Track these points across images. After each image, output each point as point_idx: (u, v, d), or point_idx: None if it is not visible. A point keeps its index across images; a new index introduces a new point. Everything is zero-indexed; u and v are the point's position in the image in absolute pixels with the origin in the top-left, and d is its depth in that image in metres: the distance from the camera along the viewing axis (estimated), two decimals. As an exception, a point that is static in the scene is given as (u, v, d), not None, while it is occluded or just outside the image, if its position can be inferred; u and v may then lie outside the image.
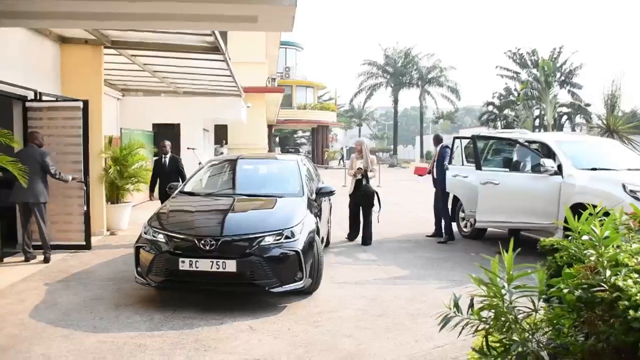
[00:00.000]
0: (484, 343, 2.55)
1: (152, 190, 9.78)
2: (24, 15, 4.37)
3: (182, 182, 8.59)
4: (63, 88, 9.48)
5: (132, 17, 4.29)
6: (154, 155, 12.40)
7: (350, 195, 9.55)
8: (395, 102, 53.34)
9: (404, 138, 76.90)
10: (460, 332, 2.91)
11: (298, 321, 5.17)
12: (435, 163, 10.12)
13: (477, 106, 63.30)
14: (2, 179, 7.01)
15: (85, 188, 8.37)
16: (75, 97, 8.92)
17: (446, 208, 9.93)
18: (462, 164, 10.38)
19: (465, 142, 10.63)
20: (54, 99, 8.94)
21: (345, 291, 6.25)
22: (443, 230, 9.81)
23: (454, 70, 51.53)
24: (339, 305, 5.70)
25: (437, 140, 10.60)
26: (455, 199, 10.17)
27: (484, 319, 2.61)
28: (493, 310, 2.67)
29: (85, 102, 8.50)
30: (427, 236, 10.14)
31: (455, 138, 10.73)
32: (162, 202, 8.78)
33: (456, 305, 2.92)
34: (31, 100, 8.45)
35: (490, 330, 2.67)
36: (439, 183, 9.88)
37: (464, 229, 10.12)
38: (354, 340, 4.72)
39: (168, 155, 9.60)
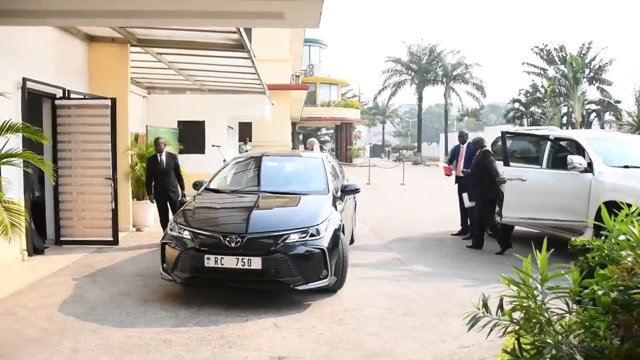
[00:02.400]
0: (516, 345, 2.49)
1: (149, 191, 9.07)
2: (53, 14, 4.43)
3: (179, 182, 8.74)
4: (90, 86, 9.61)
5: (159, 14, 4.30)
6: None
7: None
8: (420, 99, 52.94)
9: (428, 135, 76.29)
10: (489, 333, 2.86)
11: (323, 319, 5.15)
12: (461, 162, 9.94)
13: (503, 103, 62.54)
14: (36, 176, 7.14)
15: (112, 185, 8.47)
16: (102, 94, 9.05)
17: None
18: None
19: (492, 139, 10.48)
20: (82, 97, 9.07)
21: (370, 289, 6.21)
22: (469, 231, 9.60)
23: (479, 67, 51.02)
24: (364, 303, 5.67)
25: (463, 137, 10.33)
26: None
27: (515, 320, 2.55)
28: (524, 312, 2.60)
29: (113, 100, 8.60)
30: (453, 234, 10.03)
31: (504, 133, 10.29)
32: (159, 204, 8.85)
33: (485, 306, 2.86)
34: (60, 98, 8.59)
35: (521, 332, 2.60)
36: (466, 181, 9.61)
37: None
38: (379, 339, 4.68)
39: (164, 153, 8.88)
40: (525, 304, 2.55)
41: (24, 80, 7.45)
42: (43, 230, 8.64)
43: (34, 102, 8.06)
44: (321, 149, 11.02)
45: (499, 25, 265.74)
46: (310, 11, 3.84)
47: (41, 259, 7.65)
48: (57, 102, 8.54)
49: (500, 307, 2.79)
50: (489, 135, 10.71)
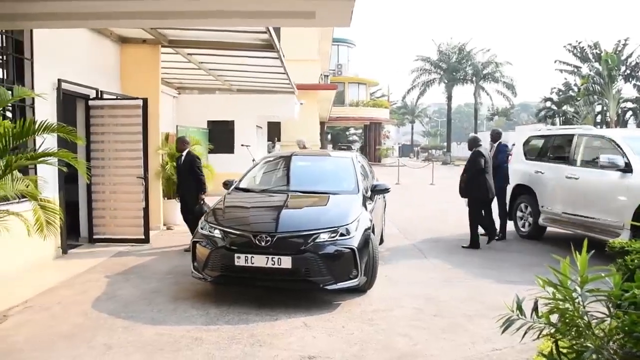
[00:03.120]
0: (554, 348, 2.42)
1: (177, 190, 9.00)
2: (87, 16, 4.49)
3: (197, 185, 8.28)
4: (122, 86, 9.76)
5: (190, 15, 4.33)
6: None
7: None
8: (449, 98, 52.38)
9: (458, 135, 75.42)
10: (523, 336, 2.79)
11: (352, 319, 5.12)
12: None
13: (534, 102, 61.45)
14: (67, 174, 7.27)
15: (144, 184, 8.58)
16: (133, 95, 9.18)
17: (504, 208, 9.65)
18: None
19: (524, 138, 10.32)
20: (115, 97, 9.22)
21: (400, 290, 6.16)
22: (498, 230, 9.48)
23: (510, 65, 50.27)
24: (394, 303, 5.62)
25: (497, 136, 10.00)
26: (514, 197, 9.87)
27: (553, 324, 2.48)
28: (560, 315, 2.53)
29: (145, 100, 8.71)
30: (480, 234, 9.88)
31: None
32: (182, 205, 8.60)
33: (519, 308, 2.80)
34: (93, 99, 8.74)
35: (558, 335, 2.53)
36: (502, 182, 9.44)
37: (522, 229, 9.80)
38: (410, 339, 4.63)
39: (184, 153, 8.58)
40: (562, 307, 2.48)
41: (59, 81, 7.61)
42: (77, 228, 8.81)
43: (69, 102, 8.22)
44: (349, 148, 10.94)
45: (531, 23, 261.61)
46: (342, 10, 3.81)
47: (75, 256, 7.79)
48: (90, 102, 8.69)
49: (535, 309, 2.72)
50: (520, 135, 10.56)
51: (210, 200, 7.91)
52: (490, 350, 4.41)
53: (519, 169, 9.96)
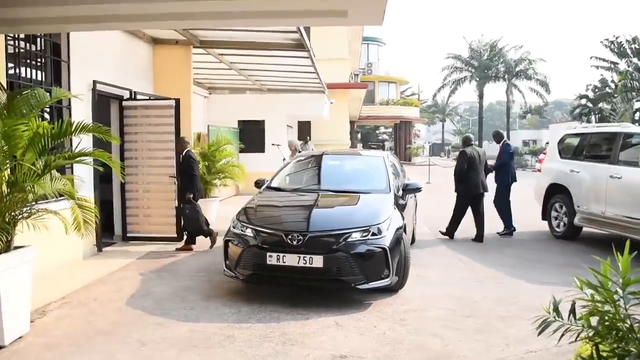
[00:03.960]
0: (594, 352, 2.36)
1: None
2: (121, 18, 4.56)
3: (190, 186, 8.25)
4: (155, 87, 9.91)
5: (222, 15, 4.35)
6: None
7: None
8: (480, 96, 51.71)
9: (489, 134, 74.38)
10: (560, 338, 2.73)
11: (384, 319, 5.09)
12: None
13: (568, 100, 60.13)
14: (102, 174, 7.41)
15: (176, 183, 8.69)
16: (166, 95, 9.30)
17: (508, 205, 9.94)
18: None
19: (559, 136, 10.11)
20: (148, 97, 9.36)
21: (432, 290, 6.10)
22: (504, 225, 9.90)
23: (543, 62, 49.28)
24: (426, 304, 5.57)
25: (498, 137, 10.36)
26: (548, 197, 9.67)
27: (593, 327, 2.42)
28: (600, 317, 2.47)
29: (177, 101, 8.81)
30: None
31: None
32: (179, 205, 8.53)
33: (556, 309, 2.74)
34: (127, 99, 8.88)
35: (597, 339, 2.47)
36: (499, 179, 9.90)
37: (557, 229, 9.62)
38: (442, 340, 4.58)
39: (183, 153, 8.51)
40: (603, 309, 2.41)
41: (94, 82, 7.77)
42: (111, 226, 8.98)
43: (103, 103, 8.38)
44: (379, 147, 10.99)
45: (566, 19, 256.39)
46: (374, 9, 3.78)
47: (109, 254, 7.95)
48: (124, 103, 8.84)
49: (572, 311, 2.67)
50: (554, 133, 10.37)
51: (242, 200, 7.95)
52: (525, 352, 4.34)
53: (554, 167, 9.79)
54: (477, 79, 50.83)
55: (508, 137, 48.65)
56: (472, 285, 6.37)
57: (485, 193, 9.50)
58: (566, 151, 9.76)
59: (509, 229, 9.80)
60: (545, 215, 9.82)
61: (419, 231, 9.45)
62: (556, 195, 9.57)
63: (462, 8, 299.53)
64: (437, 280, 6.52)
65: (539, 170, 10.51)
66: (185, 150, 8.52)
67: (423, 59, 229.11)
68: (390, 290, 5.77)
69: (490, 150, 60.99)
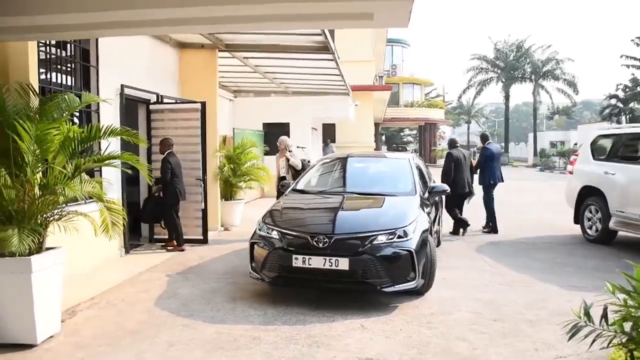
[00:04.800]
0: (629, 358, 2.31)
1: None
2: (149, 23, 4.61)
3: (165, 187, 8.22)
4: (181, 91, 10.02)
5: (248, 19, 4.37)
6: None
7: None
8: (507, 97, 51.11)
9: (516, 135, 73.38)
10: (591, 344, 2.68)
11: (410, 322, 5.06)
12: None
13: (597, 100, 59.03)
14: (130, 176, 7.53)
15: (202, 186, 8.76)
16: (192, 99, 9.40)
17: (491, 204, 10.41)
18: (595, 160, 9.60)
19: (592, 137, 9.81)
20: (174, 101, 9.47)
21: (459, 293, 6.04)
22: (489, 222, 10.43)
23: (571, 62, 48.54)
24: (452, 307, 5.52)
25: (484, 139, 11.01)
26: (580, 200, 9.48)
27: (627, 332, 2.36)
28: (634, 323, 2.41)
29: (203, 104, 8.90)
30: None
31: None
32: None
33: (587, 314, 2.69)
34: (154, 103, 9.01)
35: (631, 345, 2.41)
36: (482, 181, 10.38)
37: (590, 233, 9.32)
38: (469, 344, 4.53)
39: (165, 154, 8.37)
40: (636, 315, 2.36)
41: (122, 87, 7.89)
42: (138, 228, 9.10)
43: (130, 106, 8.50)
44: (404, 149, 11.05)
45: (595, 17, 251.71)
46: (400, 11, 3.76)
47: (136, 255, 8.06)
48: (151, 106, 8.96)
49: (604, 316, 2.61)
50: (585, 134, 10.15)
51: (267, 202, 7.99)
52: (554, 357, 4.27)
53: (586, 169, 9.50)
54: (503, 80, 50.26)
55: (535, 139, 48.12)
56: (499, 288, 6.28)
57: (472, 192, 10.07)
58: (600, 152, 9.45)
59: (490, 226, 10.39)
60: (578, 219, 9.55)
61: (445, 234, 9.36)
62: (589, 198, 9.28)
63: (487, 8, 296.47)
64: (464, 283, 6.45)
65: (571, 173, 10.21)
66: (167, 152, 8.35)
67: (448, 60, 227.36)
68: (417, 293, 5.74)
69: (517, 151, 60.08)
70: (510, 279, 6.73)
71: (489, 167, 10.30)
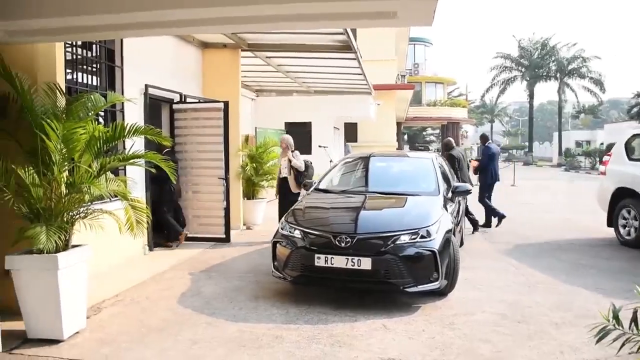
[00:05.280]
0: (659, 363, 2.25)
1: None
2: (174, 23, 4.65)
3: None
4: (204, 90, 10.10)
5: (271, 19, 4.37)
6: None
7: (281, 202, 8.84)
8: (531, 96, 50.44)
9: (540, 135, 72.41)
10: (620, 348, 2.62)
11: (433, 322, 5.02)
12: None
13: (625, 98, 57.96)
14: (153, 175, 7.60)
15: (225, 184, 8.82)
16: (214, 98, 9.46)
17: (488, 201, 10.63)
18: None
19: (626, 136, 9.46)
20: (197, 100, 9.54)
21: (482, 294, 5.97)
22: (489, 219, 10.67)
23: (598, 60, 47.68)
24: (476, 308, 5.46)
25: (484, 139, 11.32)
26: (614, 201, 9.20)
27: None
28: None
29: (226, 103, 8.95)
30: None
31: None
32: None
33: (616, 318, 2.63)
34: (177, 102, 9.09)
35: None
36: (484, 180, 10.62)
37: (625, 236, 8.98)
38: (492, 346, 4.48)
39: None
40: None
41: (146, 86, 7.97)
42: (161, 226, 9.17)
43: (154, 106, 8.59)
44: (426, 149, 11.03)
45: (623, 14, 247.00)
46: (424, 9, 3.72)
47: (160, 253, 8.14)
48: (174, 106, 9.04)
49: (634, 320, 2.56)
50: (610, 134, 9.90)
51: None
52: (580, 361, 4.19)
53: (620, 170, 9.17)
54: (528, 79, 49.64)
55: (560, 138, 47.49)
56: (523, 289, 6.20)
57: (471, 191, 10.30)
58: (635, 152, 9.16)
59: (498, 221, 10.63)
60: (612, 222, 9.22)
61: (468, 234, 9.28)
62: (624, 199, 8.96)
63: (511, 6, 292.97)
64: (487, 284, 6.38)
65: (603, 173, 9.85)
66: (165, 151, 7.85)
67: (471, 58, 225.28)
68: (439, 293, 5.69)
69: (541, 151, 59.31)
70: (535, 280, 6.64)
71: (492, 167, 10.59)
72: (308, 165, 8.74)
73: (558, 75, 48.00)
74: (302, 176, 8.53)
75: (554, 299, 5.79)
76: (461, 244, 8.08)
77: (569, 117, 60.90)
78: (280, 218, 8.46)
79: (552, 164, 45.81)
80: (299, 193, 8.56)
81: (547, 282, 6.59)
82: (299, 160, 8.69)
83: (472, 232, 10.04)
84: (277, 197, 9.11)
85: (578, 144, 47.99)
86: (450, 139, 11.15)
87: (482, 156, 10.89)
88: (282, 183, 8.84)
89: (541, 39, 49.62)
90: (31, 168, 4.54)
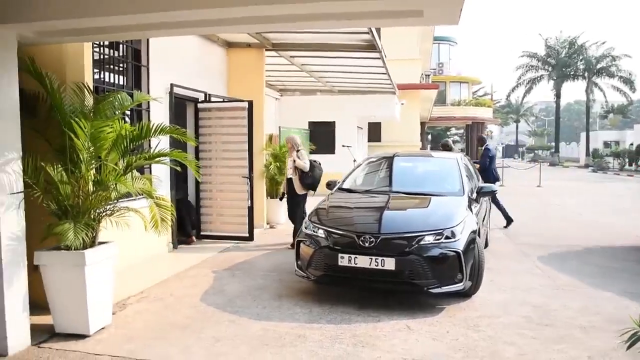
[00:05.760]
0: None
1: None
2: (199, 23, 4.68)
3: None
4: (228, 89, 10.17)
5: (296, 18, 4.37)
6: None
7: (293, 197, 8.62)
8: (558, 96, 49.57)
9: (567, 135, 71.23)
10: (652, 353, 2.56)
11: (457, 324, 4.96)
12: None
13: (656, 98, 56.67)
14: (178, 173, 7.68)
15: (249, 183, 8.86)
16: (239, 97, 9.51)
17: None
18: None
19: None
20: (222, 100, 9.60)
21: (507, 296, 5.89)
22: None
23: (628, 58, 46.68)
24: (501, 310, 5.39)
25: (482, 141, 11.48)
26: None
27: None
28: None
29: (250, 103, 8.99)
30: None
31: None
32: None
33: (647, 323, 2.57)
34: (202, 102, 9.16)
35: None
36: (486, 180, 10.13)
37: None
38: (518, 349, 4.41)
39: None
40: None
41: (172, 85, 8.05)
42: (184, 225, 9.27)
43: (179, 105, 8.67)
44: (450, 149, 10.79)
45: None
46: (451, 8, 3.67)
47: (184, 251, 8.21)
48: (199, 105, 9.11)
49: (666, 325, 2.49)
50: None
51: (312, 200, 8.00)
52: (608, 365, 4.11)
53: None
54: (554, 78, 48.83)
55: (587, 138, 46.60)
56: (550, 292, 6.09)
57: None
58: None
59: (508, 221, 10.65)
60: None
61: (493, 235, 9.17)
62: None
63: (538, 5, 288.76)
64: (513, 287, 6.29)
65: None
66: None
67: (496, 58, 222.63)
68: (464, 295, 5.63)
69: (568, 151, 58.34)
70: (561, 283, 6.52)
71: (492, 167, 10.71)
72: (315, 166, 8.47)
73: (586, 74, 47.10)
74: (307, 177, 8.31)
75: (581, 303, 5.68)
76: (486, 245, 7.99)
77: (597, 117, 59.80)
78: (290, 219, 8.53)
79: (579, 164, 45.03)
80: (305, 194, 8.48)
81: (574, 284, 6.47)
82: (304, 160, 8.40)
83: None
84: (282, 198, 9.08)
85: (606, 145, 47.07)
86: (449, 140, 11.27)
87: (482, 158, 10.89)
88: (289, 184, 8.64)
89: (569, 38, 48.77)
90: (60, 166, 4.62)
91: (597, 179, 28.21)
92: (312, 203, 7.42)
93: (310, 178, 8.33)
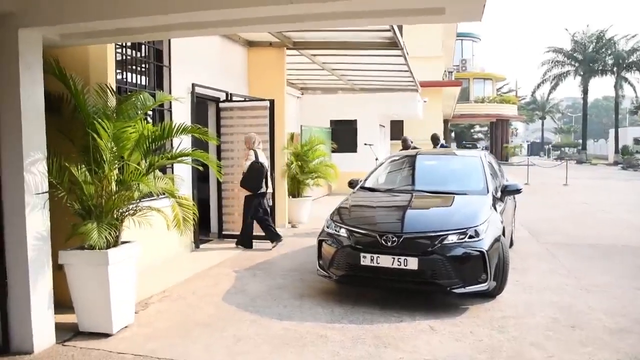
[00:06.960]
0: None
1: None
2: (220, 23, 4.68)
3: None
4: (250, 89, 10.19)
5: (317, 17, 4.34)
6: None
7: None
8: (585, 92, 48.61)
9: (594, 132, 69.95)
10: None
11: (481, 325, 4.89)
12: None
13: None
14: (198, 172, 7.70)
15: (270, 182, 8.85)
16: (260, 96, 9.52)
17: None
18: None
19: None
20: (243, 99, 9.62)
21: (533, 297, 5.79)
22: None
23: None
24: (526, 311, 5.29)
25: (435, 140, 11.41)
26: None
27: None
28: None
29: (272, 102, 9.00)
30: None
31: None
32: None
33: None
34: (223, 101, 9.18)
35: None
36: None
37: None
38: (544, 351, 4.32)
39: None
40: None
41: (193, 85, 8.09)
42: (207, 224, 9.31)
43: (200, 104, 8.70)
44: (474, 146, 10.69)
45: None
46: (474, 4, 3.59)
47: (206, 250, 8.26)
48: (220, 104, 9.14)
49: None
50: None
51: (334, 199, 7.96)
52: (638, 369, 4.01)
53: None
54: (581, 73, 47.86)
55: (616, 135, 45.64)
56: (576, 293, 5.97)
57: None
58: None
59: None
60: None
61: (518, 235, 9.03)
62: None
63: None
64: (538, 287, 6.17)
65: None
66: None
67: (521, 53, 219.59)
68: (488, 295, 5.54)
69: (596, 149, 57.36)
70: (588, 283, 6.38)
71: None
72: (255, 168, 8.07)
73: (615, 69, 46.02)
74: (244, 178, 8.13)
75: (608, 304, 5.55)
76: (511, 244, 7.87)
77: (627, 113, 58.57)
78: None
79: (608, 162, 44.16)
80: (253, 197, 8.18)
81: (601, 285, 6.33)
82: (249, 160, 8.09)
83: None
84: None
85: (637, 141, 45.96)
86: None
87: None
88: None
89: (596, 32, 47.73)
90: (83, 166, 4.68)
91: (626, 177, 27.61)
92: (333, 203, 7.38)
93: (247, 180, 8.13)
